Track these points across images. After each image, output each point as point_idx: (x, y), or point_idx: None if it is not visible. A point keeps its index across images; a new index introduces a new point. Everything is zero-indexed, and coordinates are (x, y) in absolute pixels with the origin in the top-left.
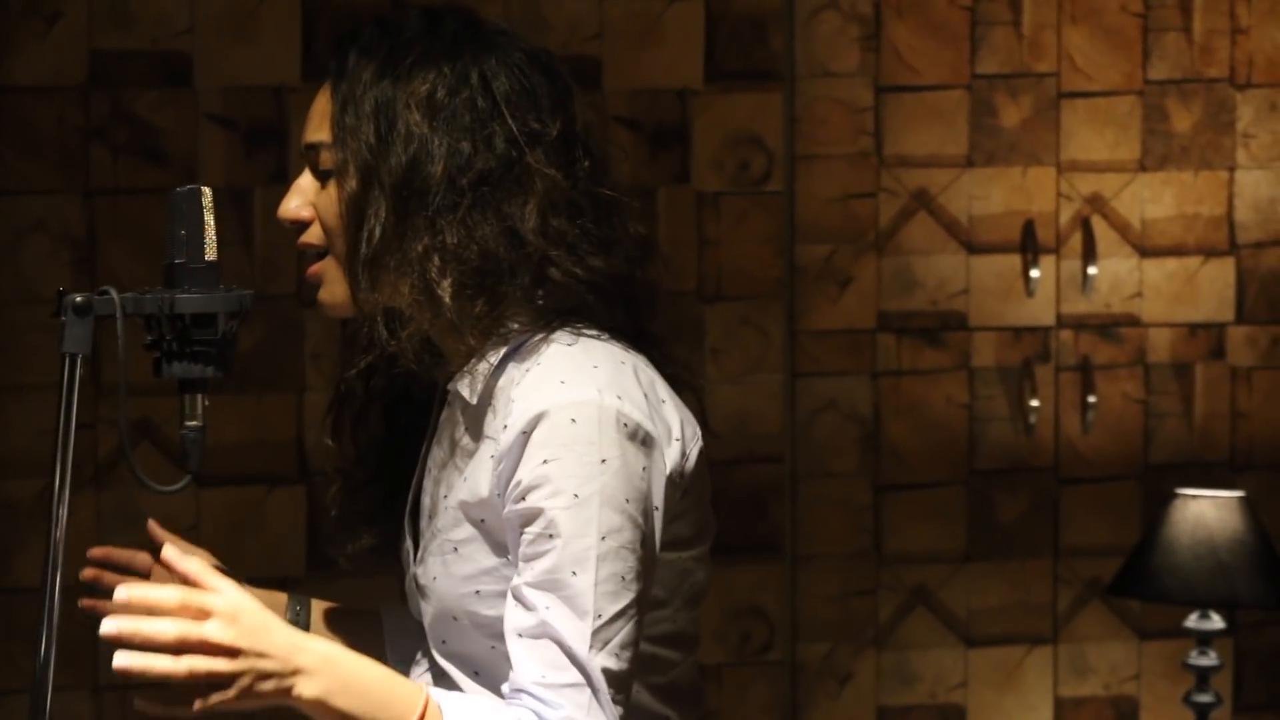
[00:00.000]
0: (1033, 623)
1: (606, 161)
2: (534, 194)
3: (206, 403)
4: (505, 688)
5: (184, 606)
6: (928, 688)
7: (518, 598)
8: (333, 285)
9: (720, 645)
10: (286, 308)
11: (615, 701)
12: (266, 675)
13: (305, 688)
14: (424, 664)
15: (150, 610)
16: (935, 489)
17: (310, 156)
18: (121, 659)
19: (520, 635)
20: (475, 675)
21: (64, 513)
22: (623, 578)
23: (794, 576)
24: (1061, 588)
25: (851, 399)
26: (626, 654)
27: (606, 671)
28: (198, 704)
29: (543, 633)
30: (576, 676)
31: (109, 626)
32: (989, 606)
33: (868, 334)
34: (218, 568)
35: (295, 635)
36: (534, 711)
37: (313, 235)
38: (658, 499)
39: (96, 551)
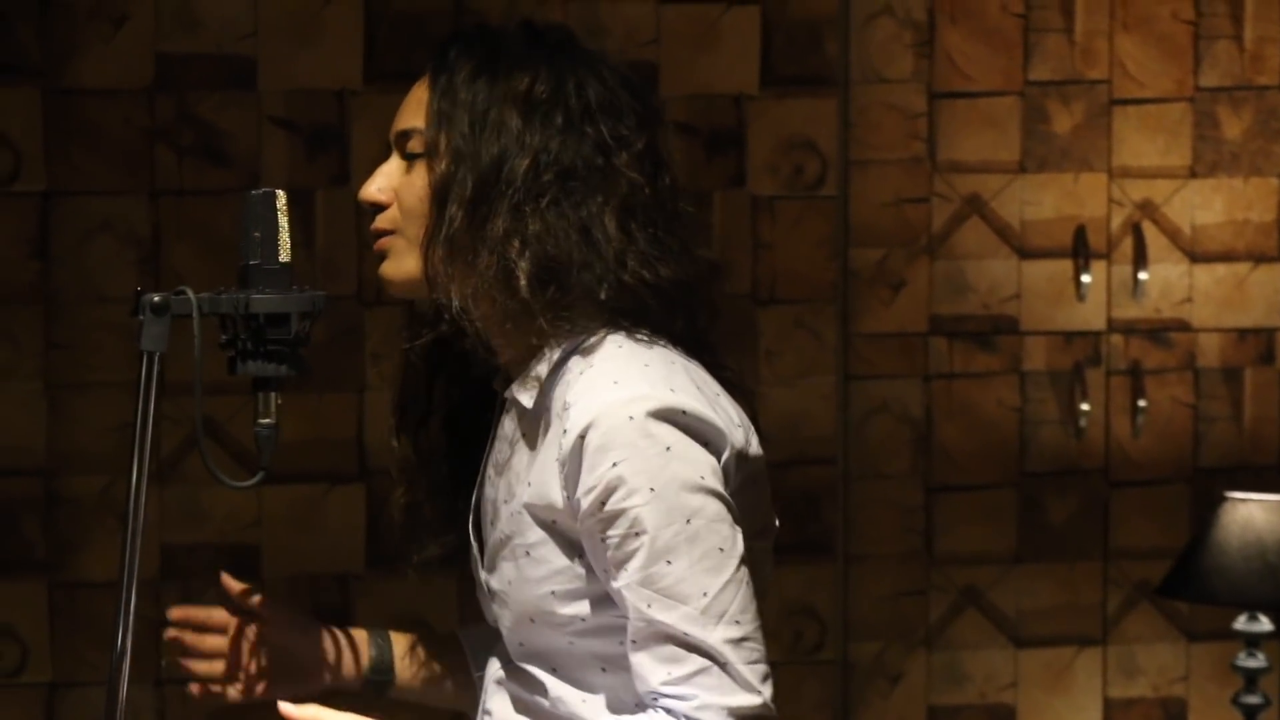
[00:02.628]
0: (1082, 624)
1: (679, 185)
2: (615, 196)
3: (279, 401)
4: (641, 693)
5: None
6: (978, 688)
7: (620, 604)
8: (400, 259)
9: (773, 644)
10: (347, 308)
11: (751, 663)
12: None
13: None
14: (495, 664)
15: None
16: (986, 491)
17: (400, 142)
18: None
19: (635, 643)
20: (554, 671)
21: (142, 509)
22: (720, 549)
23: (846, 576)
24: (1111, 589)
25: (903, 401)
26: (747, 616)
27: (729, 641)
28: None
29: (652, 632)
30: (699, 661)
31: None
32: (1039, 608)
33: (920, 337)
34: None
35: None
36: (667, 710)
37: (385, 220)
38: (731, 468)
39: (175, 613)
